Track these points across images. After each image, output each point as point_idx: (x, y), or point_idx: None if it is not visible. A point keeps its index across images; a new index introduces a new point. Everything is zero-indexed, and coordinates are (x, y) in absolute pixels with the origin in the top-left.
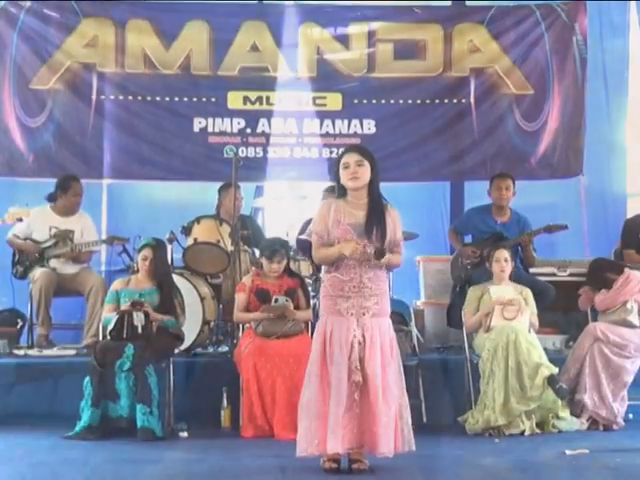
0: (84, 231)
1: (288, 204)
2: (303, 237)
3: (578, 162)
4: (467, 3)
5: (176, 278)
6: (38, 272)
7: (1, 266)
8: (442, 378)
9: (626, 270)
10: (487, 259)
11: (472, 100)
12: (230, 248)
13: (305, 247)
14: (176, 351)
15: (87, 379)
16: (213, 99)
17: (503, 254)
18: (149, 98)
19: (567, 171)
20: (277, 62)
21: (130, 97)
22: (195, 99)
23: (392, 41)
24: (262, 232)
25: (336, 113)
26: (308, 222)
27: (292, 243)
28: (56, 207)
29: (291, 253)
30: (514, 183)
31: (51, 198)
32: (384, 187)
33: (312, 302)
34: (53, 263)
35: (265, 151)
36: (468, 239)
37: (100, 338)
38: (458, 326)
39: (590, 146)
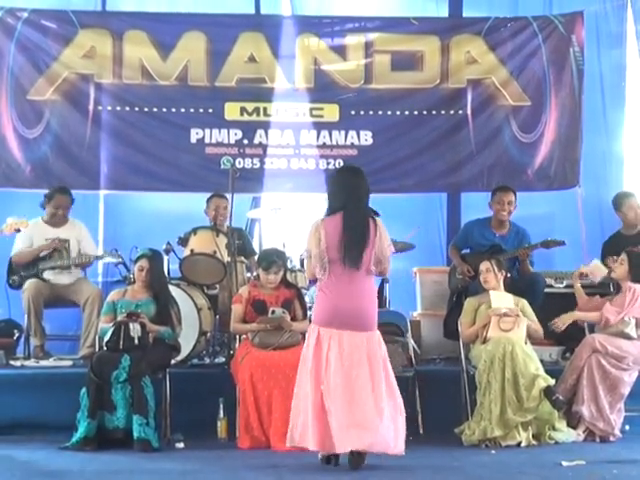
0: (81, 239)
1: (285, 215)
2: None
3: (575, 173)
4: (464, 15)
5: (172, 289)
6: (27, 283)
7: None
8: (439, 389)
9: (629, 284)
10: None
11: (469, 111)
12: (227, 259)
13: None
14: (172, 362)
15: (83, 390)
16: (210, 110)
17: (485, 265)
18: (146, 109)
19: (564, 182)
20: (274, 73)
21: (127, 108)
22: (192, 110)
23: (389, 52)
24: (252, 246)
25: (333, 124)
26: None
27: (289, 254)
28: (45, 218)
29: (288, 264)
30: (516, 196)
31: (42, 206)
32: (382, 198)
33: (309, 313)
34: (47, 274)
35: (262, 162)
36: (467, 251)
37: (96, 349)
38: (455, 337)
39: (587, 157)
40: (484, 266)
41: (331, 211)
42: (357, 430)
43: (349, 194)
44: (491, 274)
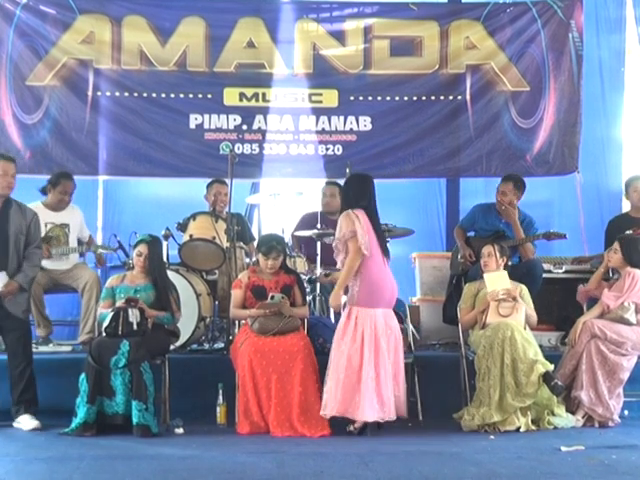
0: (81, 225)
1: (284, 201)
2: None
3: (574, 159)
4: (463, 0)
5: (172, 274)
6: None
7: None
8: (438, 375)
9: (628, 269)
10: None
11: (468, 97)
12: (226, 245)
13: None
14: (172, 347)
15: (83, 376)
16: (209, 95)
17: (487, 249)
18: (145, 94)
19: (563, 168)
20: (273, 58)
21: (126, 93)
22: (191, 95)
23: (388, 38)
24: (251, 231)
25: (332, 110)
26: (304, 218)
27: (288, 239)
28: (46, 202)
29: (287, 250)
30: (523, 185)
31: (43, 192)
32: (381, 183)
33: (308, 299)
34: (45, 262)
35: (261, 147)
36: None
37: (96, 335)
38: (454, 323)
39: (586, 142)
40: (486, 250)
41: (349, 207)
42: (382, 402)
43: (370, 196)
44: (492, 259)
